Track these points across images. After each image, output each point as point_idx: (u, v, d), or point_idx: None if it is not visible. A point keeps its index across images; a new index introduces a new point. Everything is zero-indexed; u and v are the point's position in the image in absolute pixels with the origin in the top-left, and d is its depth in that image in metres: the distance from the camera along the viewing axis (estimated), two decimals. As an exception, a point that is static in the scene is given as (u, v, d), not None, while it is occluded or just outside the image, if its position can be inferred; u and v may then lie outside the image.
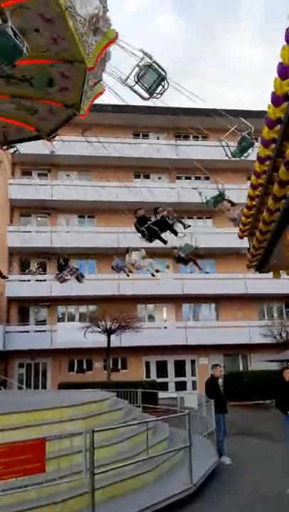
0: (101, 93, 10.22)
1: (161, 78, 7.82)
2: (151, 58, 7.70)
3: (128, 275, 15.49)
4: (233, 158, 9.31)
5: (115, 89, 9.45)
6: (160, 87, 7.92)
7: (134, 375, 26.63)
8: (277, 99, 3.79)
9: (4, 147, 13.22)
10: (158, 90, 7.95)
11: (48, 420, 7.96)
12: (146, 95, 7.99)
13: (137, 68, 7.75)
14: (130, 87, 7.84)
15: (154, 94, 7.98)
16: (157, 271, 13.62)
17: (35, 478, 5.86)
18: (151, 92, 7.92)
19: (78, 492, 6.31)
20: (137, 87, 7.86)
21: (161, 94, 8.00)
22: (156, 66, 7.73)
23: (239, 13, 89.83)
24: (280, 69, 3.52)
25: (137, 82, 7.78)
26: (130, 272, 14.72)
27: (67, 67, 9.09)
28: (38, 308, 29.86)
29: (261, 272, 7.57)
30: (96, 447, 6.29)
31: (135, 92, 7.90)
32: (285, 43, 3.29)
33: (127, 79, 7.87)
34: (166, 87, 7.91)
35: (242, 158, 8.53)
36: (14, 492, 5.73)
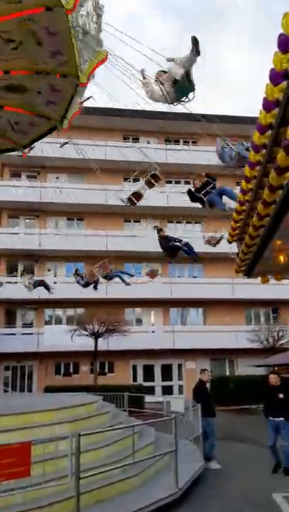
0: (79, 112, 10.28)
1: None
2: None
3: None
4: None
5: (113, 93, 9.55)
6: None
7: (121, 379, 26.54)
8: (268, 105, 3.81)
9: None
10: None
11: (33, 423, 7.89)
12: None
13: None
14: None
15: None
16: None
17: (21, 482, 5.80)
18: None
19: (64, 496, 6.25)
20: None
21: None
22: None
23: (227, 21, 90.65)
24: (271, 75, 3.54)
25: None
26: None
27: (60, 81, 9.07)
28: (25, 311, 29.66)
29: (250, 277, 7.59)
30: (82, 451, 6.25)
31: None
32: (278, 49, 3.32)
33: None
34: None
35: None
36: (-1, 496, 5.66)
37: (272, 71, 3.51)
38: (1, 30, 8.00)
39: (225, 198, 8.94)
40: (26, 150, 12.92)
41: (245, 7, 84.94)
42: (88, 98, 10.21)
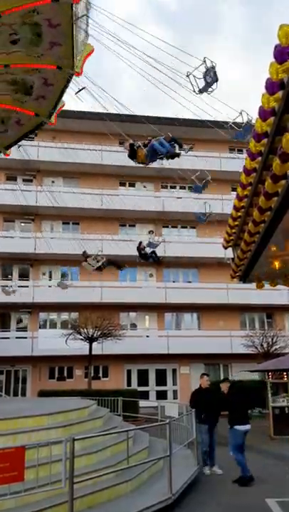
0: (62, 106, 10.47)
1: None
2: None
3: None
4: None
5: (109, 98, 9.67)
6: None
7: (115, 384, 26.48)
8: (264, 114, 3.86)
9: None
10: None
11: (27, 428, 7.88)
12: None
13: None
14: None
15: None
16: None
17: (14, 486, 5.78)
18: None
19: (57, 501, 6.23)
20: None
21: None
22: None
23: (221, 29, 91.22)
24: (268, 84, 3.59)
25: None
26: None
27: (54, 75, 9.14)
28: (19, 315, 29.56)
29: (245, 283, 7.63)
30: (76, 456, 6.24)
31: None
32: (274, 59, 3.37)
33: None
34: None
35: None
36: (-8, 501, 5.64)
37: (268, 81, 3.56)
38: (5, 23, 8.09)
39: None
40: (8, 151, 12.96)
41: (236, 17, 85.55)
42: (82, 88, 10.32)
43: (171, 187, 31.57)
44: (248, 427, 9.69)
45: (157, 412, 16.19)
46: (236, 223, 6.17)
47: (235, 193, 5.66)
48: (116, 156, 29.09)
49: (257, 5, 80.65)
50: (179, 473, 8.54)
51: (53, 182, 31.14)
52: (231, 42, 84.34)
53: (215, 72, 8.61)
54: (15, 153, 28.38)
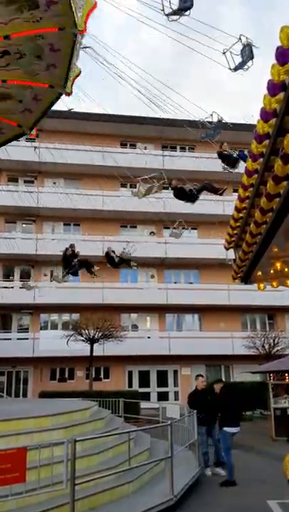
0: (77, 75, 10.33)
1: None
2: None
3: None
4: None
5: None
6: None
7: (116, 385, 26.47)
8: (266, 115, 3.86)
9: None
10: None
11: (28, 429, 7.88)
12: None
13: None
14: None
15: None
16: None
17: (15, 488, 5.78)
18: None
19: (59, 503, 6.23)
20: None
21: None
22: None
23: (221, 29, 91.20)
24: (269, 86, 3.60)
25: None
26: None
27: (58, 38, 9.05)
28: (20, 316, 29.58)
29: (246, 284, 7.63)
30: (77, 457, 6.24)
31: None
32: (275, 61, 3.37)
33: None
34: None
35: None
36: (-7, 502, 5.64)
37: (269, 82, 3.57)
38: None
39: None
40: (34, 131, 12.84)
41: (236, 18, 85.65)
42: (88, 47, 10.36)
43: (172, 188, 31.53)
44: (236, 429, 9.64)
45: (158, 414, 16.18)
46: (238, 224, 6.17)
47: (236, 194, 5.66)
48: (117, 157, 29.13)
49: (257, 5, 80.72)
50: (181, 475, 8.54)
51: (54, 183, 31.18)
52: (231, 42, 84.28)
53: (251, 50, 8.59)
54: (16, 154, 28.50)
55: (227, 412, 9.77)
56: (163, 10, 8.63)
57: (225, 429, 9.58)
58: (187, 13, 8.64)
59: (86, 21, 8.60)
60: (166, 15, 8.69)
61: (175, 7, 8.66)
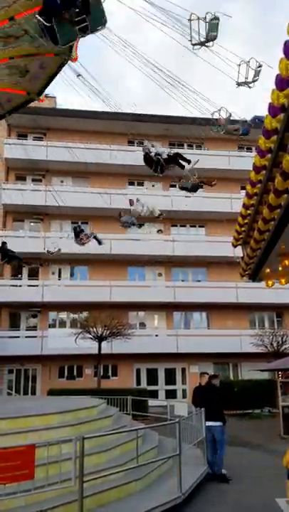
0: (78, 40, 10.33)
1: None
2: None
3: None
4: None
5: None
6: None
7: (124, 383, 26.51)
8: (274, 110, 3.83)
9: None
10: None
11: (37, 427, 7.90)
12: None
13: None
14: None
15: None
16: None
17: (24, 485, 5.80)
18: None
19: (67, 500, 6.25)
20: None
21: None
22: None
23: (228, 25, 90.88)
24: (277, 81, 3.56)
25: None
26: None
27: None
28: (29, 314, 29.69)
29: (254, 281, 7.59)
30: (85, 454, 6.25)
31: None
32: (283, 55, 3.34)
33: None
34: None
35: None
36: (2, 499, 5.66)
37: (278, 77, 3.54)
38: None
39: None
40: (42, 96, 12.83)
41: (243, 17, 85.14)
42: (78, 76, 10.42)
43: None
44: (208, 423, 9.88)
45: (166, 411, 16.18)
46: (246, 221, 6.14)
47: (244, 191, 5.63)
48: (125, 155, 29.14)
49: (262, 2, 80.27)
50: (189, 472, 8.52)
51: (62, 182, 31.25)
52: (235, 38, 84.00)
53: (259, 71, 8.56)
54: (24, 153, 28.57)
55: (206, 407, 9.96)
56: (190, 40, 8.66)
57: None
58: (210, 44, 8.68)
59: (77, 47, 8.76)
60: (193, 44, 8.72)
61: (202, 38, 8.67)
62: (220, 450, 9.68)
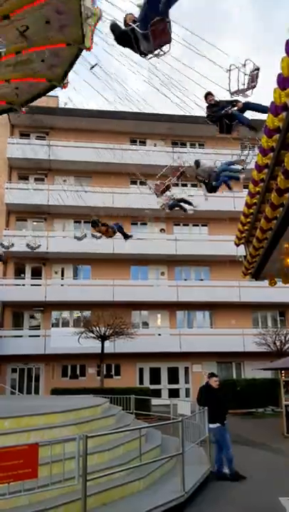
0: (100, 18, 10.15)
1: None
2: None
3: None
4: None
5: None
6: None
7: (127, 382, 26.51)
8: (276, 109, 3.83)
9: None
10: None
11: (40, 426, 7.92)
12: None
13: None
14: None
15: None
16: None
17: (27, 484, 5.81)
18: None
19: (70, 498, 6.26)
20: None
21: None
22: None
23: (229, 23, 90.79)
24: (279, 80, 3.56)
25: None
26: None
27: (61, 1, 9.01)
28: (32, 313, 29.74)
29: (257, 280, 7.59)
30: (89, 453, 6.26)
31: None
32: (285, 54, 3.33)
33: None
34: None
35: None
36: (5, 498, 5.67)
37: (280, 76, 3.53)
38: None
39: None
40: (66, 82, 12.64)
41: (244, 15, 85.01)
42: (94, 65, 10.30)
43: (183, 184, 31.47)
44: (211, 425, 9.94)
45: (169, 410, 16.19)
46: (248, 220, 6.14)
47: (246, 190, 5.63)
48: (126, 154, 29.11)
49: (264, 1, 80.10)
50: (192, 471, 8.52)
51: (64, 181, 31.26)
52: (239, 37, 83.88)
53: (257, 76, 7.67)
54: (27, 152, 28.59)
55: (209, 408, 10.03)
56: (229, 90, 8.07)
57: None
58: (250, 92, 7.99)
59: (92, 36, 8.68)
60: (231, 93, 8.13)
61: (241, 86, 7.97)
62: (224, 450, 9.66)
